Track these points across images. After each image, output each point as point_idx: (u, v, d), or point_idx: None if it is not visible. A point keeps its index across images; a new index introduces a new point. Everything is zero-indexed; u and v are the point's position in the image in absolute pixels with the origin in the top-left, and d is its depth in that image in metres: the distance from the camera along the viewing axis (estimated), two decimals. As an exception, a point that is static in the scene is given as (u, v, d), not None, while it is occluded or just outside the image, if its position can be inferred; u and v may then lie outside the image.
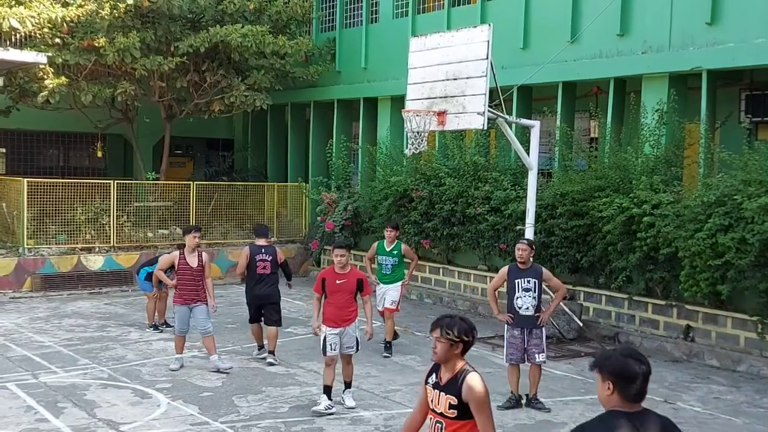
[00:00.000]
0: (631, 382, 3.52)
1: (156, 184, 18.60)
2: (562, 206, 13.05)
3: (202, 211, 18.31)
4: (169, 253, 12.85)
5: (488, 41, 11.10)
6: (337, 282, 8.74)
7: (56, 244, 16.60)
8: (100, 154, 21.15)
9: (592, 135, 15.48)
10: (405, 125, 12.12)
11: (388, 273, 11.69)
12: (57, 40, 16.55)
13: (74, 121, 19.58)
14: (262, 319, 10.90)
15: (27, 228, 16.27)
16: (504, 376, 9.53)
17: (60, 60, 16.50)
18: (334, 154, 18.71)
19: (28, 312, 13.99)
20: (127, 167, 23.15)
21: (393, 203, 16.12)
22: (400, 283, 11.71)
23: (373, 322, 9.26)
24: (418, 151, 11.91)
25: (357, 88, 18.73)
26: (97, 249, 16.96)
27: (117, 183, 17.36)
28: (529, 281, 8.94)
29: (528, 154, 12.24)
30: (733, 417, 8.95)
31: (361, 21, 18.82)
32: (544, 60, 13.69)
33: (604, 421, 3.55)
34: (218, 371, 10.16)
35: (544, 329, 9.05)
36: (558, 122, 14.21)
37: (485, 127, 11.66)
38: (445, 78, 11.61)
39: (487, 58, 11.09)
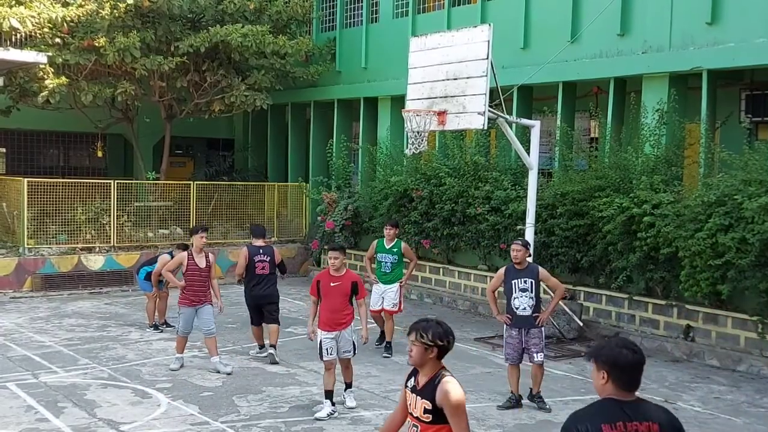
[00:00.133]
0: (625, 371, 3.63)
1: (156, 183, 18.60)
2: (562, 206, 13.05)
3: (202, 211, 18.31)
4: (169, 252, 12.86)
5: (488, 41, 11.10)
6: (332, 284, 8.65)
7: (57, 243, 16.60)
8: (100, 153, 21.15)
9: (592, 135, 15.48)
10: (405, 125, 12.12)
11: (387, 271, 11.63)
12: (57, 39, 16.55)
13: (74, 121, 19.58)
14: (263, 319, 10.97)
15: (27, 228, 16.27)
16: (504, 376, 9.53)
17: (60, 60, 16.50)
18: (334, 154, 18.71)
19: (28, 312, 14.00)
20: (127, 167, 23.15)
21: (393, 203, 16.12)
22: (398, 283, 11.63)
23: (369, 324, 9.23)
24: (418, 150, 11.90)
25: (357, 87, 18.73)
26: (97, 249, 16.97)
27: (117, 183, 17.36)
28: (525, 281, 8.94)
29: (528, 153, 12.24)
30: (734, 417, 8.95)
31: (362, 21, 18.82)
32: (545, 60, 13.69)
33: (597, 408, 3.66)
34: (218, 372, 10.16)
35: (543, 329, 9.04)
36: (558, 122, 14.21)
37: (485, 127, 11.66)
38: (446, 78, 11.61)
39: (487, 58, 11.09)
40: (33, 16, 15.95)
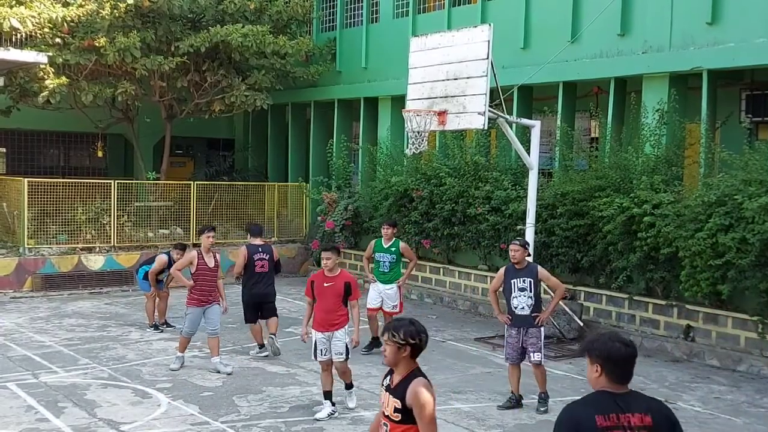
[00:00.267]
0: (618, 365, 3.74)
1: (156, 183, 18.60)
2: (562, 206, 13.05)
3: (202, 210, 18.32)
4: (166, 253, 12.87)
5: (489, 41, 11.10)
6: (325, 285, 8.62)
7: (57, 244, 16.60)
8: (100, 153, 21.16)
9: (592, 135, 15.48)
10: (405, 125, 12.12)
11: (386, 271, 11.54)
12: (57, 40, 16.56)
13: (75, 121, 19.59)
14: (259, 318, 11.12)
15: (27, 228, 16.27)
16: (504, 376, 9.53)
17: (60, 60, 16.50)
18: (334, 154, 18.72)
19: (28, 312, 14.00)
20: (127, 167, 23.16)
21: (393, 203, 16.12)
22: (396, 283, 11.55)
23: (361, 325, 9.18)
24: (418, 150, 11.90)
25: (357, 87, 18.74)
26: (97, 249, 16.97)
27: (117, 183, 17.36)
28: (524, 281, 8.94)
29: (528, 153, 12.24)
30: (734, 417, 8.95)
31: (362, 21, 18.83)
32: (545, 60, 13.69)
33: (591, 400, 3.77)
34: (218, 372, 10.16)
35: (542, 329, 9.01)
36: (558, 122, 14.21)
37: (486, 127, 11.66)
38: (446, 78, 11.61)
39: (487, 58, 11.09)
40: (33, 16, 15.96)
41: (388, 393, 4.55)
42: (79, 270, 16.41)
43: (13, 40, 16.42)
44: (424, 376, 4.48)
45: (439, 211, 15.28)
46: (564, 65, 14.05)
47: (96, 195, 17.02)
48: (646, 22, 13.25)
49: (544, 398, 8.93)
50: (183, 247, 12.95)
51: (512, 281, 8.99)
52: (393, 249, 11.57)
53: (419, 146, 11.72)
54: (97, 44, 16.50)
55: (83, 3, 16.60)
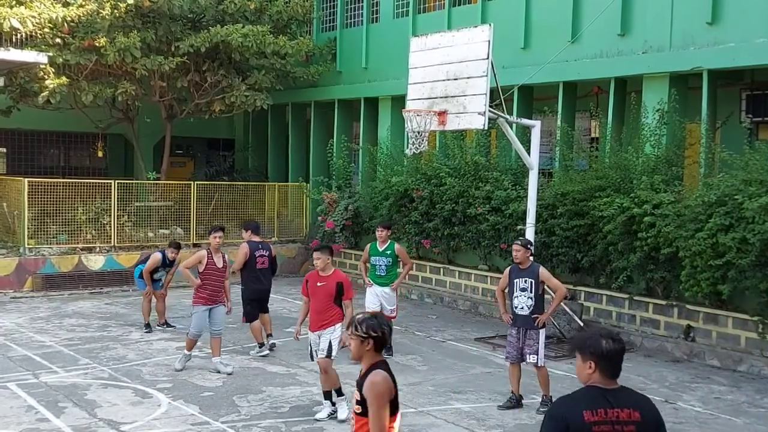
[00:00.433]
0: (610, 361, 3.82)
1: (157, 183, 18.60)
2: (562, 206, 13.05)
3: (202, 210, 18.32)
4: (161, 251, 12.85)
5: (489, 41, 11.09)
6: (318, 285, 8.64)
7: (57, 244, 16.61)
8: (100, 154, 21.17)
9: (592, 135, 15.48)
10: (405, 125, 12.11)
11: (382, 274, 11.37)
12: (58, 40, 16.56)
13: (75, 121, 19.59)
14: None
15: (28, 228, 16.27)
16: (504, 376, 9.54)
17: (61, 60, 16.51)
18: (334, 154, 18.72)
19: (28, 312, 14.00)
20: (127, 167, 23.16)
21: (394, 203, 16.12)
22: (391, 286, 11.37)
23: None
24: (418, 150, 11.89)
25: (357, 88, 18.74)
26: (97, 249, 16.97)
27: (118, 183, 17.36)
28: (526, 281, 8.95)
29: (529, 153, 12.24)
30: (734, 417, 8.95)
31: (362, 21, 18.83)
32: (545, 60, 13.69)
33: (581, 395, 3.86)
34: (218, 372, 10.16)
35: (542, 331, 8.98)
36: (559, 122, 14.21)
37: (486, 127, 11.65)
38: (446, 78, 11.60)
39: (487, 58, 11.08)
40: (33, 17, 15.96)
41: (355, 387, 4.64)
42: (80, 270, 16.41)
43: (14, 40, 16.41)
44: (387, 370, 4.49)
45: (439, 211, 15.28)
46: (564, 65, 14.05)
47: (96, 195, 17.02)
48: (646, 22, 13.25)
49: (546, 402, 8.88)
50: (177, 246, 12.97)
51: (515, 281, 9.02)
52: (388, 252, 11.40)
53: (419, 146, 11.71)
54: (97, 44, 16.51)
55: (83, 3, 16.60)
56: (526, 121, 12.79)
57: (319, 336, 8.55)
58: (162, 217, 18.18)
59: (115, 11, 16.53)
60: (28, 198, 16.18)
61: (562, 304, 11.97)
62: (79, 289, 16.17)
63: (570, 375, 10.54)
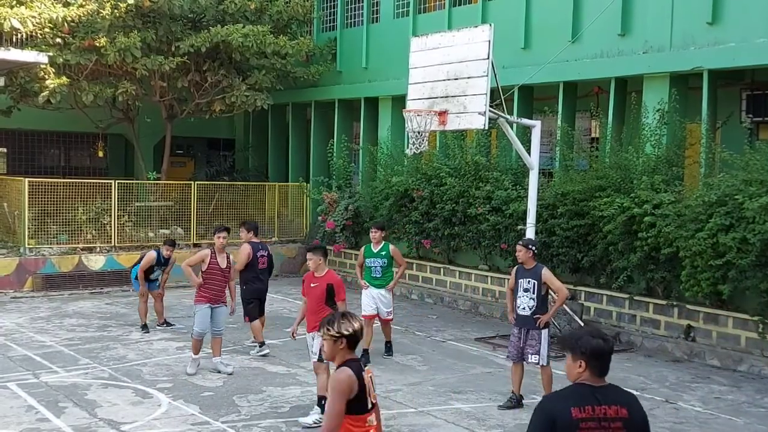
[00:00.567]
0: (600, 360, 3.92)
1: (157, 183, 18.61)
2: (563, 206, 13.05)
3: (203, 210, 18.33)
4: (156, 250, 12.81)
5: (489, 41, 11.09)
6: (312, 285, 8.64)
7: (57, 243, 16.61)
8: (101, 153, 21.17)
9: (593, 135, 15.47)
10: (406, 125, 12.12)
11: (378, 276, 11.14)
12: (58, 40, 16.57)
13: (75, 121, 19.59)
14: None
15: (28, 228, 16.28)
16: (505, 376, 9.54)
17: (61, 60, 16.51)
18: (335, 154, 18.73)
19: (29, 312, 14.00)
20: (128, 167, 23.17)
21: (394, 203, 16.13)
22: (386, 288, 11.19)
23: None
24: (419, 150, 11.89)
25: (358, 87, 18.74)
26: (98, 249, 16.98)
27: (118, 183, 17.37)
28: (529, 282, 8.96)
29: (529, 153, 12.24)
30: (734, 417, 8.94)
31: (362, 21, 18.83)
32: (545, 60, 13.69)
33: (569, 392, 3.96)
34: (218, 372, 10.16)
35: (544, 332, 8.97)
36: (559, 122, 14.21)
37: (486, 127, 11.65)
38: (446, 78, 11.60)
39: (488, 58, 11.08)
40: (34, 17, 15.96)
41: None
42: (80, 270, 16.41)
43: (14, 40, 16.42)
44: (357, 369, 4.50)
45: (439, 211, 15.28)
46: (564, 65, 14.04)
47: (96, 195, 17.03)
48: (646, 22, 13.24)
49: None
50: (172, 243, 12.95)
51: (519, 281, 9.07)
52: (383, 253, 11.19)
53: (420, 146, 11.71)
54: (97, 44, 16.51)
55: (84, 3, 16.60)
56: (526, 121, 12.79)
57: (312, 337, 8.53)
58: (162, 217, 18.18)
59: (116, 11, 16.54)
60: (29, 198, 16.19)
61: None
62: (80, 289, 16.18)
63: (570, 375, 10.54)
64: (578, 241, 13.10)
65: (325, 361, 8.35)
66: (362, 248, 11.58)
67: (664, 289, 12.35)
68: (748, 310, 11.22)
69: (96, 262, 16.66)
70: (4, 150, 21.84)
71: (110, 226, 17.07)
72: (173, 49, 17.35)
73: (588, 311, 13.18)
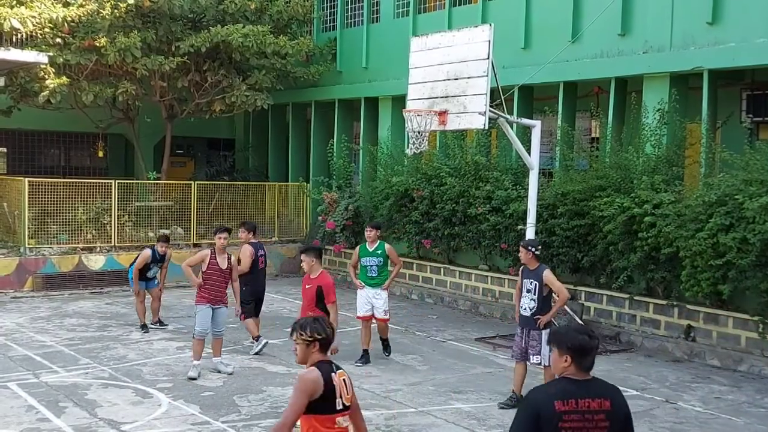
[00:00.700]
0: (586, 355, 4.02)
1: (157, 183, 18.61)
2: (563, 206, 13.05)
3: (203, 210, 18.33)
4: (151, 247, 12.80)
5: (489, 41, 11.10)
6: (306, 287, 8.70)
7: (57, 243, 16.61)
8: (101, 153, 21.16)
9: (593, 135, 15.47)
10: (406, 125, 12.12)
11: (374, 275, 11.03)
12: (58, 40, 16.57)
13: (75, 121, 19.59)
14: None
15: (28, 228, 16.28)
16: (505, 376, 9.55)
17: (61, 60, 16.50)
18: (335, 154, 18.73)
19: (29, 312, 14.00)
20: (128, 167, 23.17)
21: (394, 203, 16.13)
22: (381, 288, 11.06)
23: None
24: (419, 150, 11.89)
25: (358, 87, 18.74)
26: (98, 249, 16.98)
27: (118, 183, 17.37)
28: (531, 283, 8.98)
29: (529, 153, 12.24)
30: (734, 417, 8.94)
31: (362, 21, 18.83)
32: (545, 60, 13.69)
33: (553, 386, 4.07)
34: (218, 372, 10.16)
35: (544, 332, 8.95)
36: (559, 122, 14.21)
37: (486, 127, 11.66)
38: (446, 78, 11.60)
39: (488, 58, 11.08)
40: (34, 17, 15.96)
41: None
42: (80, 270, 16.42)
43: (14, 40, 16.42)
44: (326, 371, 4.55)
45: (439, 211, 15.28)
46: (564, 65, 14.04)
47: (96, 195, 17.03)
48: (646, 22, 13.24)
49: None
50: (166, 239, 12.94)
51: (524, 281, 9.11)
52: (379, 252, 11.09)
53: (420, 146, 11.71)
54: (97, 44, 16.51)
55: (84, 3, 16.60)
56: (526, 121, 12.79)
57: None
58: (162, 217, 18.19)
59: (116, 11, 16.53)
60: (29, 198, 16.19)
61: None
62: (80, 288, 16.18)
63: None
64: (578, 241, 13.10)
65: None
66: (357, 248, 11.49)
67: (664, 289, 12.35)
68: (748, 310, 11.22)
69: (96, 262, 16.66)
70: (4, 150, 21.84)
71: (110, 226, 17.07)
72: (173, 49, 17.35)
73: (588, 311, 13.18)
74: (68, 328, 12.75)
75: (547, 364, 8.93)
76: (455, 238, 15.46)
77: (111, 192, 17.07)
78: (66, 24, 16.43)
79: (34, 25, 16.04)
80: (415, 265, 16.64)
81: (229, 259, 10.37)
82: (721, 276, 10.91)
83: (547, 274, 8.99)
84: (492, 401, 9.26)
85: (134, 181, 18.93)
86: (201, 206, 18.27)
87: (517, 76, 13.98)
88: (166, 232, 17.61)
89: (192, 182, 18.54)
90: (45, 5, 16.27)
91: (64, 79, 16.75)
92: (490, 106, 11.20)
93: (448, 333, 13.15)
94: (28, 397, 8.96)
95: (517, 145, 12.21)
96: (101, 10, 16.51)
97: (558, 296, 9.09)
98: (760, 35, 11.67)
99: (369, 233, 11.21)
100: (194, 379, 9.81)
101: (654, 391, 9.83)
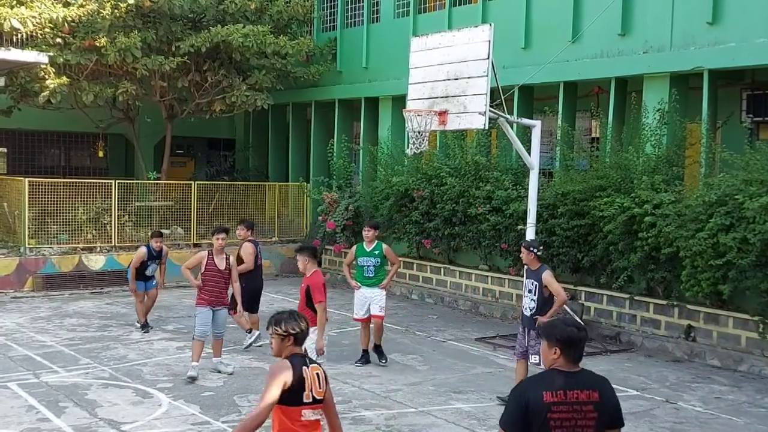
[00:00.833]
0: (574, 347, 4.10)
1: (157, 183, 18.61)
2: (563, 206, 13.05)
3: (203, 210, 18.33)
4: (146, 246, 12.77)
5: (489, 41, 11.09)
6: (301, 286, 8.76)
7: (57, 243, 16.61)
8: (101, 153, 21.18)
9: (593, 135, 15.48)
10: (406, 125, 12.11)
11: (370, 276, 10.89)
12: (58, 40, 16.57)
13: (75, 121, 19.60)
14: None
15: (28, 228, 16.28)
16: (505, 376, 9.55)
17: (61, 60, 16.51)
18: (335, 154, 18.73)
19: (29, 312, 14.00)
20: (128, 167, 23.17)
21: (394, 203, 16.13)
22: (379, 287, 10.92)
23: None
24: (419, 150, 11.88)
25: (358, 87, 18.74)
26: (98, 249, 16.98)
27: (118, 183, 17.37)
28: (532, 283, 8.99)
29: (529, 153, 12.23)
30: (735, 417, 8.94)
31: (362, 21, 18.83)
32: (546, 60, 13.69)
33: (542, 377, 4.17)
34: (219, 372, 10.16)
35: None
36: (559, 122, 14.21)
37: (486, 127, 11.65)
38: (446, 78, 11.60)
39: (488, 58, 11.08)
40: (34, 17, 15.96)
41: None
42: (80, 270, 16.42)
43: (14, 40, 16.42)
44: (297, 364, 4.65)
45: (439, 211, 15.29)
46: (565, 65, 14.05)
47: (97, 195, 17.04)
48: (646, 22, 13.24)
49: None
50: (160, 234, 12.89)
51: (526, 281, 9.17)
52: (376, 252, 10.97)
53: (420, 146, 11.70)
54: (97, 44, 16.51)
55: (84, 3, 16.60)
56: (526, 121, 12.79)
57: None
58: (163, 217, 18.19)
59: (116, 11, 16.54)
60: (29, 198, 16.19)
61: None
62: (80, 288, 16.18)
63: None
64: (578, 241, 13.10)
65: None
66: (354, 247, 11.40)
67: (664, 289, 12.35)
68: (748, 310, 11.22)
69: (96, 262, 16.67)
70: (5, 150, 21.84)
71: (110, 226, 17.07)
72: (173, 49, 17.36)
73: (588, 311, 13.18)
74: (68, 328, 12.76)
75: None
76: (455, 238, 15.46)
77: (111, 192, 17.07)
78: (66, 24, 16.43)
79: (34, 25, 16.05)
80: (415, 265, 16.64)
81: (227, 259, 10.30)
82: (721, 276, 10.91)
83: (546, 275, 8.96)
84: (492, 401, 9.26)
85: (134, 181, 18.93)
86: (201, 206, 18.27)
87: (517, 76, 13.98)
88: (174, 234, 17.66)
89: (192, 182, 18.54)
90: (45, 5, 16.27)
91: (65, 79, 16.75)
92: (490, 106, 11.20)
93: (449, 333, 13.15)
94: (29, 397, 8.96)
95: (518, 145, 12.21)
96: (101, 10, 16.52)
97: (556, 298, 9.06)
98: (760, 35, 11.67)
99: (367, 233, 11.10)
100: (194, 378, 9.78)
101: (654, 391, 9.83)
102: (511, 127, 12.39)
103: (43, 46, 16.35)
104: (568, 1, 14.20)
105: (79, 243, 16.78)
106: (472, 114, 11.19)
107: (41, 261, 16.12)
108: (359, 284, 10.96)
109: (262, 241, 18.06)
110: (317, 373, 4.73)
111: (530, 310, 8.93)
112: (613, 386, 4.24)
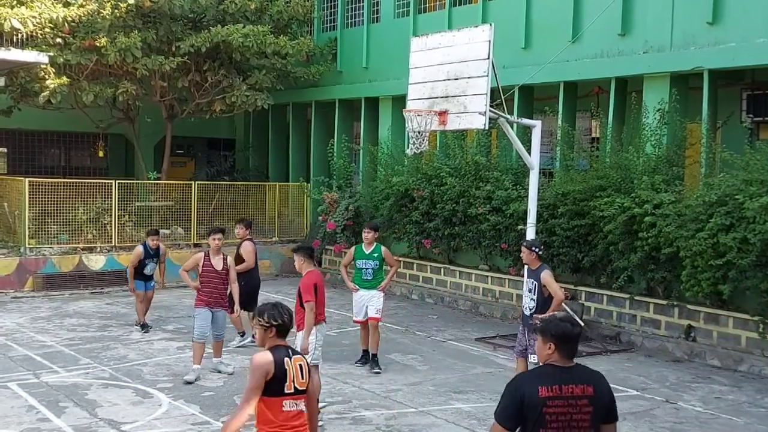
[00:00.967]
0: (568, 342, 4.19)
1: (157, 183, 18.61)
2: (563, 206, 13.05)
3: (203, 210, 18.33)
4: (143, 244, 12.76)
5: (489, 41, 11.08)
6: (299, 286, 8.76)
7: (58, 243, 16.61)
8: (101, 153, 21.18)
9: (593, 135, 15.47)
10: (406, 125, 12.10)
11: (369, 278, 10.73)
12: (58, 40, 16.57)
13: (76, 121, 19.60)
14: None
15: (28, 228, 16.29)
16: (505, 376, 9.51)
17: (61, 60, 16.51)
18: (335, 154, 18.73)
19: (29, 312, 14.00)
20: (128, 167, 23.17)
21: (394, 203, 16.13)
22: (377, 289, 10.79)
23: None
24: (419, 150, 11.87)
25: (358, 87, 18.74)
26: (98, 249, 16.98)
27: (118, 183, 17.38)
28: (532, 282, 9.00)
29: (529, 153, 12.22)
30: (735, 417, 8.94)
31: (363, 21, 18.83)
32: (546, 60, 13.68)
33: (538, 372, 4.25)
34: (219, 372, 10.16)
35: None
36: (559, 122, 14.21)
37: (486, 127, 11.64)
38: (447, 78, 11.59)
39: (488, 58, 11.07)
40: (34, 17, 15.97)
41: None
42: (80, 270, 16.42)
43: (14, 40, 16.42)
44: (280, 355, 4.73)
45: (439, 211, 15.29)
46: (565, 65, 14.04)
47: (97, 195, 17.04)
48: (646, 22, 13.24)
49: None
50: (156, 232, 12.87)
51: (526, 281, 9.21)
52: (375, 254, 10.78)
53: (420, 146, 11.70)
54: (98, 44, 16.51)
55: (84, 3, 16.60)
56: (526, 121, 12.78)
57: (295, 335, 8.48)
58: (163, 217, 18.19)
59: (116, 11, 16.54)
60: (29, 198, 16.19)
61: (563, 305, 11.97)
62: (80, 288, 16.18)
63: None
64: (579, 241, 13.10)
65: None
66: (352, 248, 11.25)
67: (664, 289, 12.35)
68: (748, 310, 11.22)
69: (96, 262, 16.67)
70: (5, 150, 21.84)
71: (111, 226, 17.07)
72: (173, 49, 17.36)
73: (588, 311, 13.18)
74: (68, 328, 12.76)
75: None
76: (455, 238, 15.46)
77: (111, 192, 17.08)
78: (66, 24, 16.43)
79: (34, 25, 16.05)
80: (415, 265, 16.64)
81: (225, 260, 10.23)
82: (721, 276, 10.91)
83: (545, 275, 8.94)
84: (492, 401, 9.24)
85: (134, 181, 18.94)
86: (201, 206, 18.27)
87: (518, 76, 13.97)
88: (174, 234, 17.65)
89: (192, 182, 18.55)
90: (45, 5, 16.27)
91: (65, 79, 16.75)
92: (491, 106, 11.19)
93: (449, 333, 13.15)
94: (29, 397, 8.97)
95: (518, 145, 12.20)
96: (101, 10, 16.52)
97: (553, 298, 9.06)
98: (760, 35, 11.67)
99: (367, 235, 10.94)
100: (191, 383, 9.68)
101: (654, 391, 9.83)
102: (512, 127, 12.38)
103: (43, 46, 16.35)
104: (568, 1, 14.20)
105: (79, 243, 16.78)
106: (472, 114, 11.19)
107: (41, 261, 16.13)
108: (357, 287, 10.84)
109: (263, 241, 18.10)
110: (300, 365, 4.81)
111: (530, 309, 8.94)
112: (613, 386, 4.28)
